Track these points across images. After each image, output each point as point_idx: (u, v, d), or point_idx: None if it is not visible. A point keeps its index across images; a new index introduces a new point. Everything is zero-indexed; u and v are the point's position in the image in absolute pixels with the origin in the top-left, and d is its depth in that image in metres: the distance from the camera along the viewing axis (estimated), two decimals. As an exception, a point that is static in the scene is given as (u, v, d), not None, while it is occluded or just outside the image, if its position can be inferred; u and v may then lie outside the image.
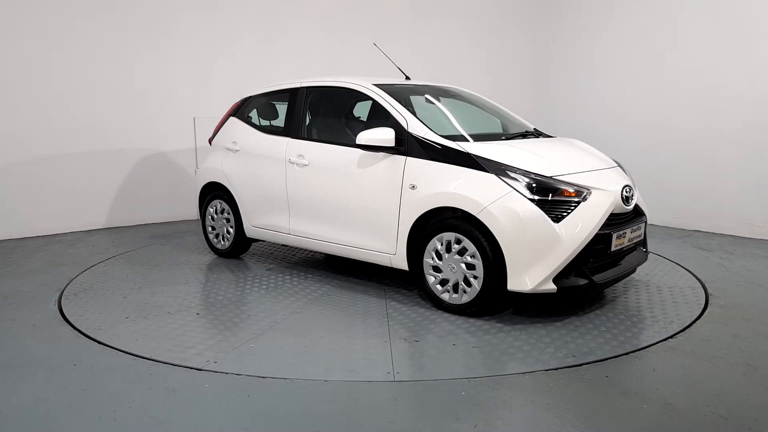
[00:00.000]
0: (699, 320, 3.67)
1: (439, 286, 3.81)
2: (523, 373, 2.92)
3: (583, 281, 3.53)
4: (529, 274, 3.42)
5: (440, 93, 4.74)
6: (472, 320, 3.66)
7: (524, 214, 3.41)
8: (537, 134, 4.56)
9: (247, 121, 5.13)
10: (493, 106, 4.96)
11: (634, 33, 7.26)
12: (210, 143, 5.52)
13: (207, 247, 5.56)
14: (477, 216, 3.54)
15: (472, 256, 3.60)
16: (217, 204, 5.27)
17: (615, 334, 3.44)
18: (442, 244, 3.74)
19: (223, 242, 5.28)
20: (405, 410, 2.58)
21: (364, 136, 3.94)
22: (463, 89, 5.06)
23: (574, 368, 2.97)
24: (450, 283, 3.75)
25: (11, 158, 6.12)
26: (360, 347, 3.29)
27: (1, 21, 5.91)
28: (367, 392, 2.74)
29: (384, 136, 3.89)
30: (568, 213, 3.45)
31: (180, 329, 3.57)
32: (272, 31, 7.44)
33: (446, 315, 3.77)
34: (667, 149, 6.90)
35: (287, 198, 4.62)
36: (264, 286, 4.45)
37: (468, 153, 3.71)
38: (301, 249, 5.57)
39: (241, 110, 5.22)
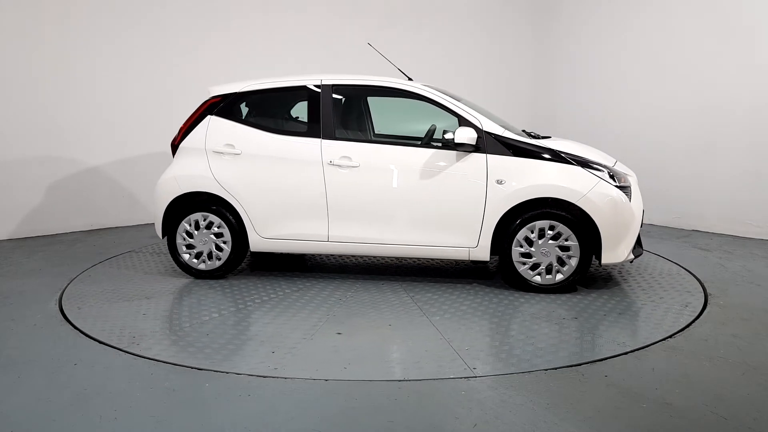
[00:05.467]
0: (698, 320, 3.68)
1: (530, 271, 4.18)
2: (522, 372, 2.93)
3: (641, 249, 4.35)
4: (620, 248, 4.07)
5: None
6: (563, 296, 4.17)
7: (616, 199, 4.04)
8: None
9: (245, 121, 4.63)
10: (472, 105, 4.91)
11: (634, 34, 7.27)
12: (173, 148, 4.76)
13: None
14: (576, 203, 4.02)
15: (567, 239, 4.07)
16: (198, 218, 4.58)
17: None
18: (533, 232, 4.12)
19: (209, 261, 4.60)
20: (405, 410, 2.58)
21: (462, 135, 4.10)
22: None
23: (573, 368, 2.98)
24: (542, 266, 4.16)
25: (12, 158, 6.13)
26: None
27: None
28: (367, 392, 2.75)
29: (469, 135, 4.12)
30: (631, 195, 4.15)
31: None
32: (270, 29, 7.45)
33: (541, 295, 4.16)
34: (667, 149, 6.90)
35: (326, 203, 4.37)
36: (333, 298, 4.17)
37: (552, 149, 4.16)
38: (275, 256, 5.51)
39: (225, 109, 4.64)
